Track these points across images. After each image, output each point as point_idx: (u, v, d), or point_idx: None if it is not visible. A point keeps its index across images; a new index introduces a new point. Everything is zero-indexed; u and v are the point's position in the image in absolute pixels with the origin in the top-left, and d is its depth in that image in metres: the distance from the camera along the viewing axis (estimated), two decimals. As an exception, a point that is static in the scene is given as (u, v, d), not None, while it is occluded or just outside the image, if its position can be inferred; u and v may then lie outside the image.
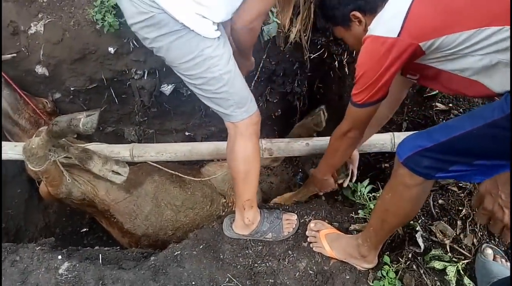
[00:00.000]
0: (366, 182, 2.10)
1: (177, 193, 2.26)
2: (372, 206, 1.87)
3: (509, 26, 1.08)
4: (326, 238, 1.72)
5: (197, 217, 2.26)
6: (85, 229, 2.88)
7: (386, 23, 1.27)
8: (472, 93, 1.30)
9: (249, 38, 1.59)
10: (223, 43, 1.43)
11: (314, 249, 1.74)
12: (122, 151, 2.08)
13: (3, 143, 2.02)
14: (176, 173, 2.23)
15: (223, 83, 1.44)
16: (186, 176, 2.26)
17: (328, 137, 2.11)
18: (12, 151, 1.99)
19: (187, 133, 2.98)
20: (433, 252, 1.63)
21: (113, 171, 1.97)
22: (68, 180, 1.92)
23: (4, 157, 2.00)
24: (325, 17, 1.58)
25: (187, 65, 1.39)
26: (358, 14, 1.45)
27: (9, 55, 2.22)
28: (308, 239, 1.77)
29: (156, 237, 2.24)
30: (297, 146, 2.12)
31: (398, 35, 1.22)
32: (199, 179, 2.30)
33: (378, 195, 1.96)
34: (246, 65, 1.88)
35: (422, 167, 1.25)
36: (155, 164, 2.16)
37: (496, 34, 1.11)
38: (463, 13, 1.16)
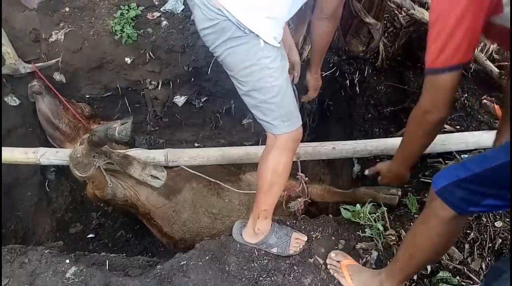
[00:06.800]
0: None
1: (215, 200, 2.31)
2: (380, 227, 1.85)
3: None
4: (347, 269, 1.67)
5: (233, 224, 2.26)
6: (91, 235, 2.90)
7: None
8: None
9: (332, 28, 1.65)
10: (281, 58, 1.50)
11: (334, 275, 1.69)
12: (158, 156, 2.17)
13: (47, 149, 2.13)
14: (216, 181, 2.29)
15: (273, 95, 1.49)
16: (224, 184, 2.32)
17: (353, 142, 2.09)
18: (54, 156, 2.11)
19: (196, 145, 3.01)
20: (440, 274, 1.61)
21: (151, 175, 2.05)
22: (110, 184, 2.01)
23: (47, 162, 2.12)
24: None
25: (243, 72, 1.46)
26: None
27: (54, 60, 2.31)
28: (328, 267, 1.73)
29: (193, 242, 2.25)
30: (324, 149, 2.15)
31: None
32: (239, 191, 2.34)
33: (379, 214, 1.93)
34: (315, 80, 1.98)
35: (455, 198, 1.20)
36: (195, 172, 2.23)
37: None
38: None
